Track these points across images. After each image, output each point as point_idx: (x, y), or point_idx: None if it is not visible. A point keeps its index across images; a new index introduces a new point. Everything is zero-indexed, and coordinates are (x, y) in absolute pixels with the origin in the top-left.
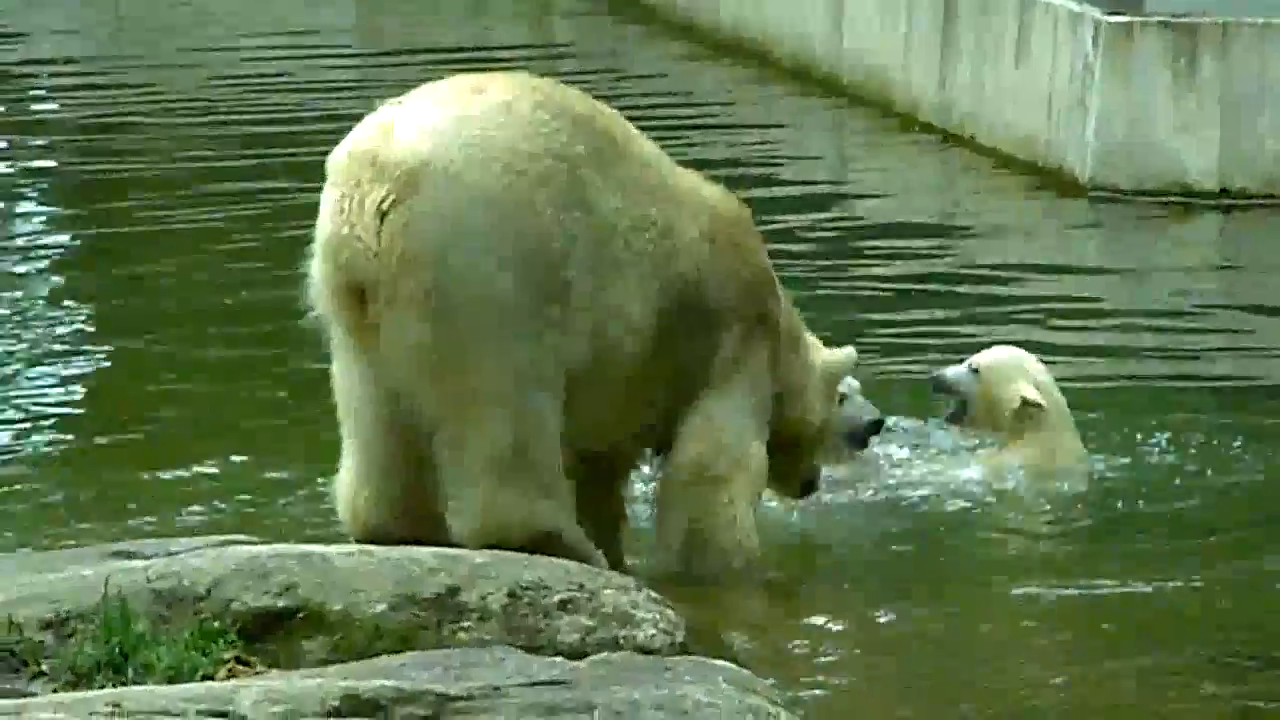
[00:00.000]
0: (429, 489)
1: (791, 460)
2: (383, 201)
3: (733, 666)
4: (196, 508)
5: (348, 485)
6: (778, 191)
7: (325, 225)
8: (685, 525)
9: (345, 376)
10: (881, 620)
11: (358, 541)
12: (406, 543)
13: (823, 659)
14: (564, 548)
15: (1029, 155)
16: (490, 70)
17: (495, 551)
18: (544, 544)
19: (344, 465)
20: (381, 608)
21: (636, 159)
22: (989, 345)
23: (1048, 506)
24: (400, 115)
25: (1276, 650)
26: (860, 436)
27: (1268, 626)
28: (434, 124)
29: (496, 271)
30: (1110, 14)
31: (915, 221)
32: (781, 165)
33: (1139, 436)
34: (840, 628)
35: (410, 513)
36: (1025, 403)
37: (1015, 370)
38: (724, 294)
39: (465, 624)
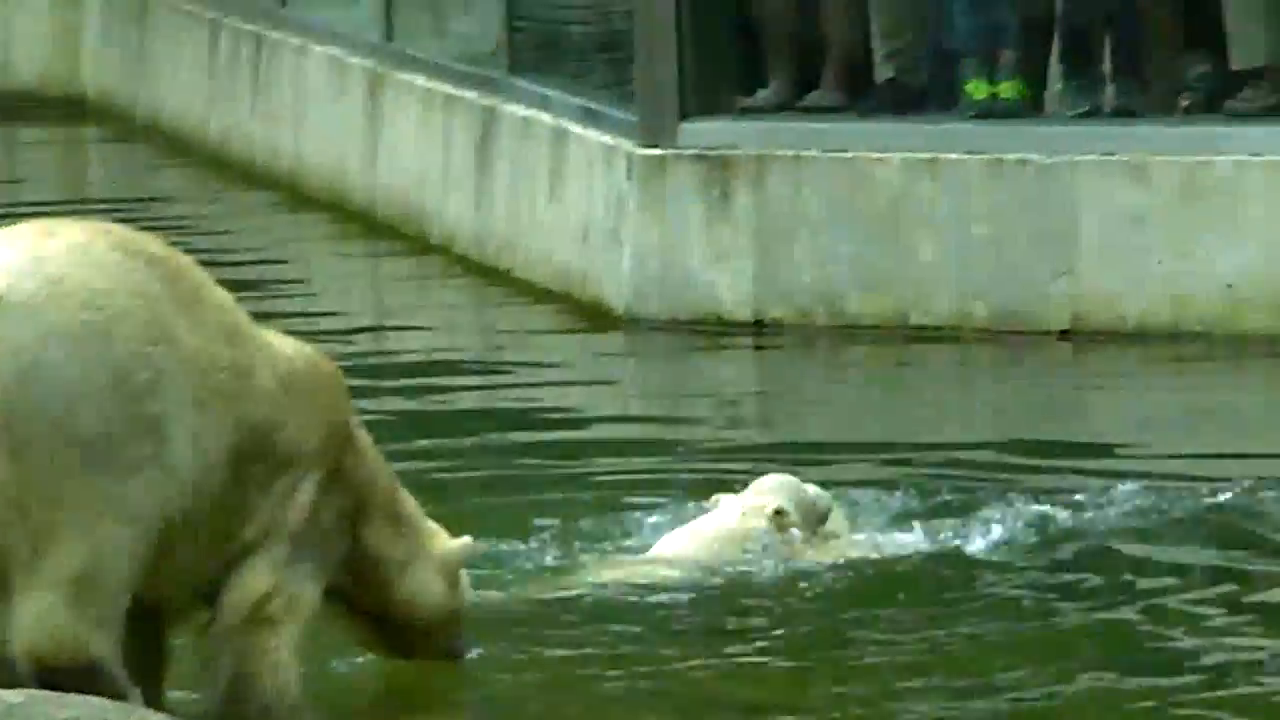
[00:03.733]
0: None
1: (423, 637)
2: None
3: None
4: None
5: None
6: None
7: None
8: (231, 667)
9: None
10: None
11: None
12: None
13: None
14: (106, 681)
15: (565, 287)
16: None
17: (30, 690)
18: (88, 674)
19: None
20: None
21: (211, 302)
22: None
23: None
24: None
25: None
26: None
27: None
28: (8, 263)
29: (76, 406)
30: (643, 146)
31: (454, 359)
32: (316, 295)
33: None
34: None
35: None
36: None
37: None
38: (303, 441)
39: None
